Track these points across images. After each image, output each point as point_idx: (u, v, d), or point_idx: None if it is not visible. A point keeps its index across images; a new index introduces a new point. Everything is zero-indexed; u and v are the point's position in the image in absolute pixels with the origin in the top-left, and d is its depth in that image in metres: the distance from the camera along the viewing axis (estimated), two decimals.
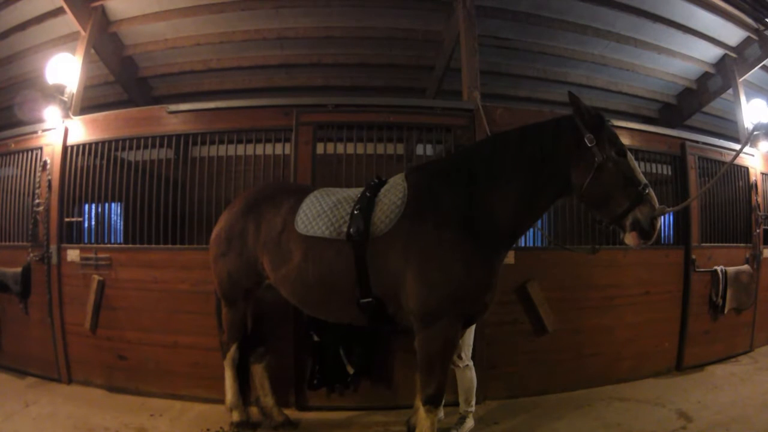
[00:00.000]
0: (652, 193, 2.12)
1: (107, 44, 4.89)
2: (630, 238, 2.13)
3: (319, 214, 2.48)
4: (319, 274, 2.42)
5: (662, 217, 4.31)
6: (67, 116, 3.88)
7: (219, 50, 5.17)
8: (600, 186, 2.15)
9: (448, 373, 2.41)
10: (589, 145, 2.15)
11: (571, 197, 2.35)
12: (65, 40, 4.76)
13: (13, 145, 4.12)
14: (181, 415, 3.19)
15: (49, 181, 3.80)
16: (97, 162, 3.80)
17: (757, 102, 4.95)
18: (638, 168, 2.19)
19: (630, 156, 2.21)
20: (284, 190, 2.81)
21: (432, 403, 2.29)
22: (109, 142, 3.79)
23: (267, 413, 2.99)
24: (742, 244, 4.57)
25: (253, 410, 3.04)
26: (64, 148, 3.84)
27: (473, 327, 2.88)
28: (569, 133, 2.23)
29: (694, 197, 2.99)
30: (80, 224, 3.92)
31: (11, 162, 4.14)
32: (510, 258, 3.44)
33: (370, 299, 2.35)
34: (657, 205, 2.12)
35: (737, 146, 4.71)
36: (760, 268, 4.63)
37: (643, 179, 2.15)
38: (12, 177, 4.13)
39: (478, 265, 2.26)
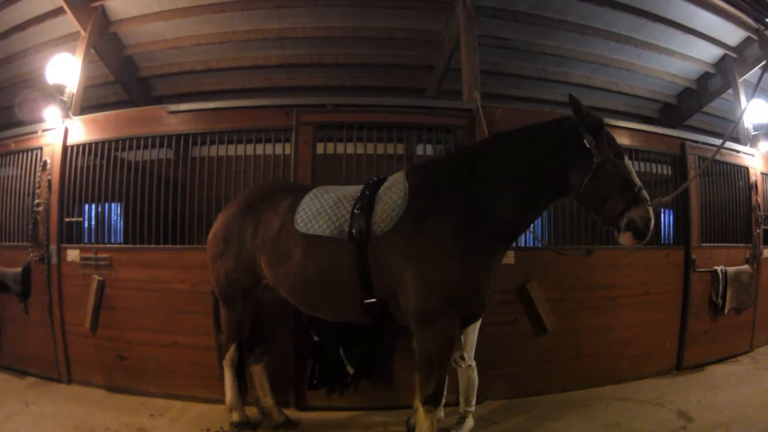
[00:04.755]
0: (647, 195, 2.17)
1: (107, 44, 4.89)
2: (625, 238, 2.18)
3: (320, 212, 2.48)
4: (320, 272, 2.42)
5: (660, 215, 4.32)
6: (67, 116, 3.88)
7: (219, 50, 5.17)
8: (598, 187, 2.18)
9: (447, 373, 2.41)
10: (589, 146, 2.18)
11: (569, 197, 2.37)
12: (65, 40, 4.76)
13: (13, 145, 4.12)
14: (181, 415, 3.18)
15: (49, 181, 3.80)
16: (97, 162, 3.80)
17: (757, 102, 4.94)
18: (633, 170, 2.23)
19: (627, 159, 2.25)
20: (282, 189, 2.81)
21: (431, 403, 2.29)
22: (109, 142, 3.79)
23: (267, 413, 2.99)
24: (742, 244, 4.56)
25: (253, 410, 3.04)
26: (64, 148, 3.84)
27: (477, 327, 2.89)
28: (569, 134, 2.25)
29: (687, 183, 3.05)
30: (80, 224, 3.92)
31: (11, 162, 4.14)
32: (510, 258, 3.44)
33: (374, 300, 2.35)
34: (651, 206, 2.16)
35: (737, 146, 4.73)
36: (760, 268, 4.63)
37: (639, 182, 2.19)
38: (12, 177, 4.12)
39: (477, 265, 2.26)
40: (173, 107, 3.70)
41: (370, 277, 2.33)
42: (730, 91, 5.50)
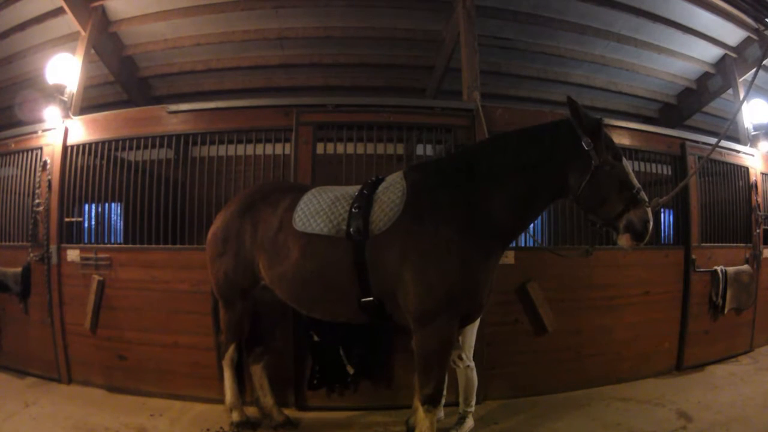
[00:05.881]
0: (645, 197, 2.18)
1: (107, 44, 4.89)
2: (624, 240, 2.18)
3: (318, 211, 2.48)
4: (317, 270, 2.42)
5: (660, 215, 4.29)
6: (67, 116, 3.88)
7: (219, 50, 5.17)
8: (596, 189, 2.19)
9: (447, 372, 2.41)
10: (587, 148, 2.18)
11: (568, 199, 2.37)
12: (65, 40, 4.76)
13: (13, 145, 4.12)
14: (181, 415, 3.18)
15: (49, 181, 3.80)
16: (97, 162, 3.80)
17: (757, 102, 4.94)
18: (632, 172, 2.23)
19: (625, 160, 2.25)
20: (280, 189, 2.82)
21: (431, 402, 2.29)
22: (109, 142, 3.79)
23: (267, 413, 2.99)
24: (742, 244, 4.56)
25: (253, 410, 3.04)
26: (64, 148, 3.84)
27: (475, 328, 2.89)
28: (567, 136, 2.26)
29: (684, 182, 3.06)
30: (80, 224, 3.91)
31: (11, 162, 4.14)
32: (510, 258, 3.45)
33: (371, 298, 2.36)
34: (649, 208, 2.17)
35: (737, 146, 4.73)
36: (760, 268, 4.63)
37: (637, 183, 2.20)
38: (12, 177, 4.13)
39: (475, 265, 2.27)
40: (173, 107, 3.70)
41: (367, 275, 2.33)
42: (730, 91, 5.50)
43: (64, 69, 3.98)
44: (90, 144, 3.81)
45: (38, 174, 3.86)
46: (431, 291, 2.23)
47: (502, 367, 3.47)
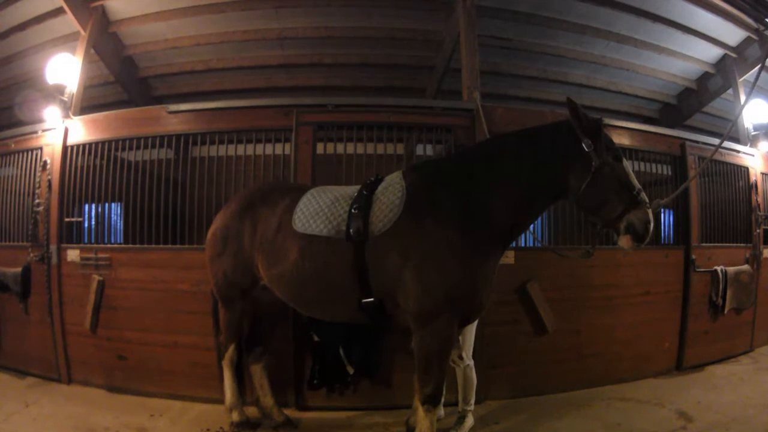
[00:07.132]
0: (646, 198, 2.17)
1: (107, 44, 4.89)
2: (624, 241, 2.18)
3: (317, 212, 2.48)
4: (316, 271, 2.42)
5: (660, 215, 4.29)
6: (67, 116, 3.88)
7: (219, 50, 5.17)
8: (596, 190, 2.18)
9: (447, 372, 2.41)
10: (587, 149, 2.18)
11: (568, 200, 2.37)
12: (65, 40, 4.76)
13: (13, 145, 4.12)
14: (181, 415, 3.19)
15: (49, 181, 3.80)
16: (97, 162, 3.80)
17: (757, 102, 4.94)
18: (632, 173, 2.23)
19: (625, 161, 2.25)
20: (280, 189, 2.82)
21: (430, 402, 2.29)
22: (109, 142, 3.79)
23: (267, 413, 2.99)
24: (742, 244, 4.56)
25: (253, 410, 3.04)
26: (64, 148, 3.84)
27: (474, 327, 2.89)
28: (567, 137, 2.26)
29: (685, 183, 3.06)
30: (80, 224, 3.92)
31: (11, 162, 4.14)
32: (510, 258, 3.45)
33: (371, 299, 2.35)
34: (650, 209, 2.16)
35: (737, 146, 4.73)
36: (760, 268, 4.63)
37: (638, 184, 2.19)
38: (12, 177, 4.13)
39: (475, 265, 2.27)
40: (173, 107, 3.70)
41: (367, 276, 2.33)
42: (730, 91, 5.50)
43: (64, 69, 3.97)
44: (90, 144, 3.81)
45: (38, 174, 3.86)
46: (431, 291, 2.23)
47: (502, 367, 3.47)
